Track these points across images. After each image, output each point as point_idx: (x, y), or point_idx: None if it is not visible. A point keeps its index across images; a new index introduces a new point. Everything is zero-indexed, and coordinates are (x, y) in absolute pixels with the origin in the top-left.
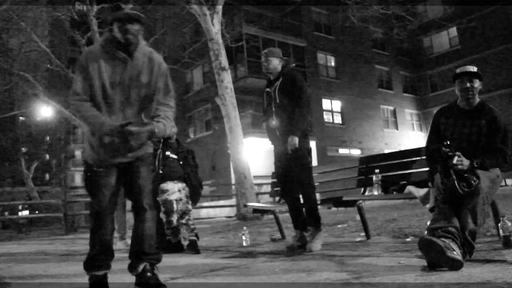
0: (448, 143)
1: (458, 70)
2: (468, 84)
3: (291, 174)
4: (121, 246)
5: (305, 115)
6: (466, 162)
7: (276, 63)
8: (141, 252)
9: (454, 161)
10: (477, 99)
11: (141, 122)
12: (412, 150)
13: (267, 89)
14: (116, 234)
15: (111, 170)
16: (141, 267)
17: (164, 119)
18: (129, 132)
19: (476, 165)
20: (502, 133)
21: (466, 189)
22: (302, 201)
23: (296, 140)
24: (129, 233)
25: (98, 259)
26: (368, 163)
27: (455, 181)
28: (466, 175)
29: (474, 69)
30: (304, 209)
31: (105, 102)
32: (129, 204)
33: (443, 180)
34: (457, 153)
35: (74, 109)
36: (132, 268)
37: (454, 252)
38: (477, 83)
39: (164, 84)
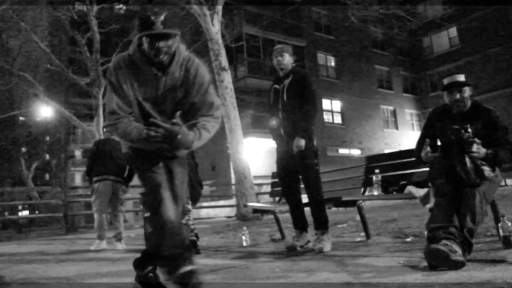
0: (469, 128)
1: (445, 81)
2: (458, 96)
3: (294, 174)
4: (119, 246)
5: (313, 117)
6: (483, 151)
7: (289, 60)
8: (160, 256)
9: (474, 149)
10: (469, 102)
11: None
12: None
13: (275, 86)
14: (110, 235)
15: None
16: (149, 268)
17: (199, 130)
18: (153, 124)
19: (490, 155)
20: (503, 130)
21: (477, 180)
22: (304, 201)
23: (302, 142)
24: (128, 233)
25: (173, 251)
26: (375, 162)
27: (470, 170)
28: (482, 165)
29: (462, 78)
30: (310, 210)
31: (141, 115)
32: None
33: (457, 168)
34: (477, 140)
35: (113, 129)
36: (139, 266)
37: (457, 253)
38: (467, 92)
39: (202, 96)
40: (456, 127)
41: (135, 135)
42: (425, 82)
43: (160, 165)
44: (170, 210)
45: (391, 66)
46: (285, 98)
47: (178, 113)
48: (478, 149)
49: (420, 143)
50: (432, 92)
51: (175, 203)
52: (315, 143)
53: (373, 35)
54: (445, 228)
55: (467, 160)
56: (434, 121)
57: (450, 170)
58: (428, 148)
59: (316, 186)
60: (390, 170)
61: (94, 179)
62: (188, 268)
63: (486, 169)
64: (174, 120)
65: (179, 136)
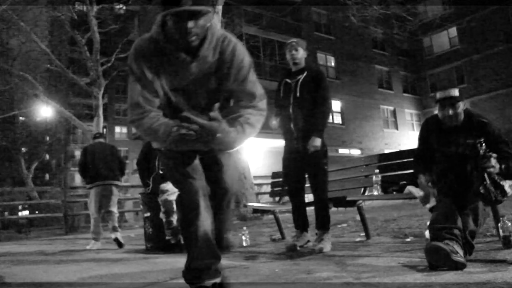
0: (482, 141)
1: (438, 95)
2: (450, 112)
3: (301, 173)
4: (118, 235)
5: (327, 117)
6: (497, 165)
7: (303, 55)
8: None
9: (492, 163)
10: (463, 115)
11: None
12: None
13: (287, 80)
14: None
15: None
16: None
17: (242, 126)
18: (185, 119)
19: (504, 170)
20: (504, 143)
21: (500, 198)
22: (307, 201)
23: (318, 141)
24: (128, 233)
25: (202, 264)
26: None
27: (491, 188)
28: (500, 180)
29: (456, 93)
30: (314, 210)
31: (169, 108)
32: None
33: (477, 186)
34: (494, 154)
35: (137, 126)
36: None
37: (458, 255)
38: (460, 107)
39: (242, 83)
40: (471, 141)
41: (163, 133)
42: (425, 82)
43: (196, 163)
44: (206, 222)
45: (391, 66)
46: (297, 94)
47: (217, 105)
48: (495, 163)
49: (417, 158)
50: (432, 92)
51: (227, 204)
52: (325, 143)
53: (373, 35)
54: (448, 229)
55: (486, 176)
56: (428, 134)
57: (452, 175)
58: (423, 180)
59: (323, 186)
60: (397, 170)
61: (87, 186)
62: (213, 281)
63: (507, 185)
64: (212, 114)
65: (218, 135)
